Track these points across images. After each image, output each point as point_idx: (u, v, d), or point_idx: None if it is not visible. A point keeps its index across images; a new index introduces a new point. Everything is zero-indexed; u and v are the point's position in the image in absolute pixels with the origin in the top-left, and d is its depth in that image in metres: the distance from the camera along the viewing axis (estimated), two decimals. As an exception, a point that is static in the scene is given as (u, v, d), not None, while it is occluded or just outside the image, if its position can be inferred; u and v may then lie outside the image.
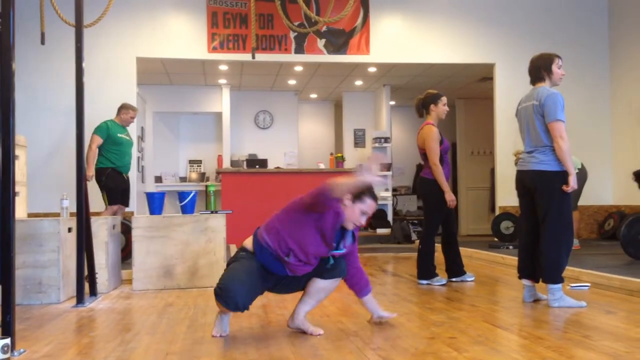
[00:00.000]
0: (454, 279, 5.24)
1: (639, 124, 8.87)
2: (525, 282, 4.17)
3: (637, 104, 8.91)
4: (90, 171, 6.55)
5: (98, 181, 6.74)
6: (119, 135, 6.84)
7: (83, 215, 4.43)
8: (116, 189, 6.79)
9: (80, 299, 4.32)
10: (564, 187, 3.95)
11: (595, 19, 9.54)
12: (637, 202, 8.80)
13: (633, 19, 8.99)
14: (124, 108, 7.01)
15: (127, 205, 7.05)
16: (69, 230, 4.68)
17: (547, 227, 3.99)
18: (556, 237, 3.98)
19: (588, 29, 9.50)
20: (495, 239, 8.78)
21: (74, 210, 4.47)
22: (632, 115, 9.00)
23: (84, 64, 4.58)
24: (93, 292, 4.63)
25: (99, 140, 6.67)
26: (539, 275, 4.07)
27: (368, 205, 3.14)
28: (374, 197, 3.18)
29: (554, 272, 3.95)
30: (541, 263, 4.00)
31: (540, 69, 4.17)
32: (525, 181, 4.16)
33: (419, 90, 5.83)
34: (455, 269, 5.28)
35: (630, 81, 9.08)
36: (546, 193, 4.02)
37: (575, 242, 6.68)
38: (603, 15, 9.54)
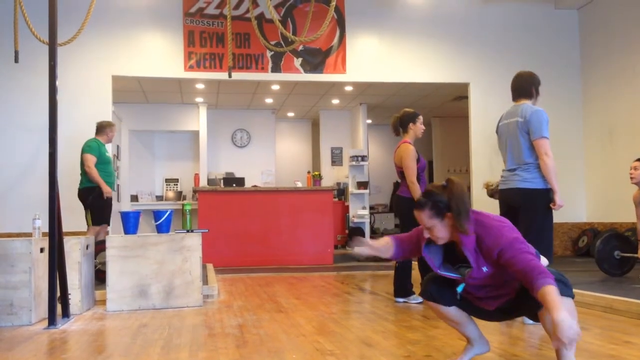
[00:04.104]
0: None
1: (610, 142, 9.03)
2: (501, 299, 4.19)
3: (608, 122, 9.08)
4: (105, 187, 6.58)
5: (84, 200, 6.65)
6: (106, 154, 6.84)
7: (56, 235, 4.36)
8: (102, 210, 6.70)
9: (52, 321, 4.24)
10: (552, 205, 3.97)
11: (566, 40, 9.72)
12: (610, 219, 8.94)
13: (602, 39, 9.19)
14: (108, 126, 6.96)
15: (108, 223, 6.96)
16: (41, 250, 4.60)
17: (526, 245, 4.02)
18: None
19: (560, 49, 9.69)
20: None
21: (47, 230, 4.40)
22: (604, 134, 9.16)
23: (57, 82, 4.54)
24: (66, 314, 4.54)
25: (94, 159, 6.64)
26: (514, 293, 4.09)
27: None
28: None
29: (529, 290, 3.97)
30: (517, 280, 4.02)
31: (531, 86, 4.21)
32: (510, 199, 4.15)
33: (395, 108, 5.88)
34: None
35: (601, 100, 9.26)
36: (530, 211, 4.03)
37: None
38: (574, 36, 9.74)
